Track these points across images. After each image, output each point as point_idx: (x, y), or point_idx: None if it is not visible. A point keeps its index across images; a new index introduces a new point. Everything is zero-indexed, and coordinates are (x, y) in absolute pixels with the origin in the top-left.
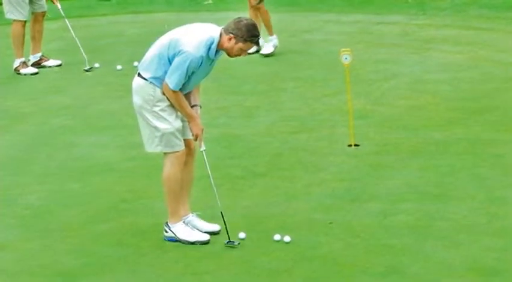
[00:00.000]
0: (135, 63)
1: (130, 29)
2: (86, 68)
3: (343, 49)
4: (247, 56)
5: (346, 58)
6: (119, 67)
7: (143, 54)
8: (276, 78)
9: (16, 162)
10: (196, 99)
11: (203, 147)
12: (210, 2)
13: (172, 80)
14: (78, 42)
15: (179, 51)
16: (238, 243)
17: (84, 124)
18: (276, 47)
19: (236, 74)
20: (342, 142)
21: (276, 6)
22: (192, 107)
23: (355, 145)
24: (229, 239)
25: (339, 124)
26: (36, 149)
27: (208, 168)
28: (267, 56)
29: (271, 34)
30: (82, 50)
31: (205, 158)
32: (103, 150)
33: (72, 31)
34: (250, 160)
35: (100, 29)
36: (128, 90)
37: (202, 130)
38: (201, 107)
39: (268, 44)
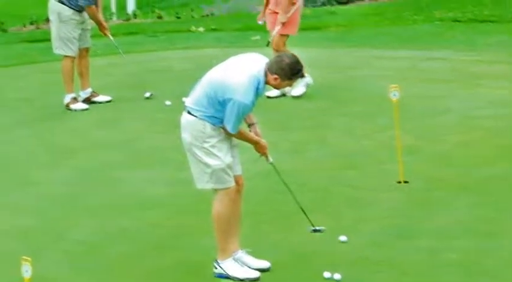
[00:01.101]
0: (184, 99)
1: (179, 65)
2: (146, 96)
3: (392, 85)
4: None
5: (394, 94)
6: (167, 103)
7: (192, 90)
8: (324, 113)
9: (65, 198)
10: (251, 118)
11: (271, 160)
12: (258, 37)
13: (230, 126)
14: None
15: (229, 99)
16: (325, 229)
17: (132, 159)
18: (309, 85)
19: (284, 109)
20: (390, 178)
21: (321, 42)
22: (250, 125)
23: (405, 182)
24: (312, 225)
25: (387, 160)
26: (85, 185)
27: (281, 178)
28: (297, 97)
29: None
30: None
31: (276, 169)
32: (152, 186)
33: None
34: (299, 196)
35: (148, 65)
36: (176, 125)
37: (267, 147)
38: (258, 124)
39: (299, 86)
